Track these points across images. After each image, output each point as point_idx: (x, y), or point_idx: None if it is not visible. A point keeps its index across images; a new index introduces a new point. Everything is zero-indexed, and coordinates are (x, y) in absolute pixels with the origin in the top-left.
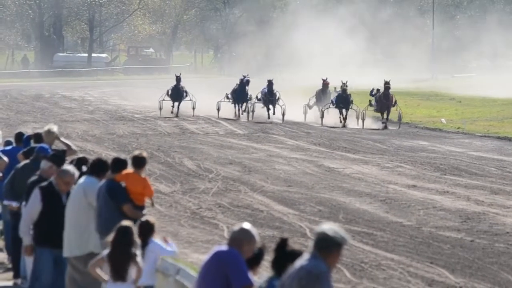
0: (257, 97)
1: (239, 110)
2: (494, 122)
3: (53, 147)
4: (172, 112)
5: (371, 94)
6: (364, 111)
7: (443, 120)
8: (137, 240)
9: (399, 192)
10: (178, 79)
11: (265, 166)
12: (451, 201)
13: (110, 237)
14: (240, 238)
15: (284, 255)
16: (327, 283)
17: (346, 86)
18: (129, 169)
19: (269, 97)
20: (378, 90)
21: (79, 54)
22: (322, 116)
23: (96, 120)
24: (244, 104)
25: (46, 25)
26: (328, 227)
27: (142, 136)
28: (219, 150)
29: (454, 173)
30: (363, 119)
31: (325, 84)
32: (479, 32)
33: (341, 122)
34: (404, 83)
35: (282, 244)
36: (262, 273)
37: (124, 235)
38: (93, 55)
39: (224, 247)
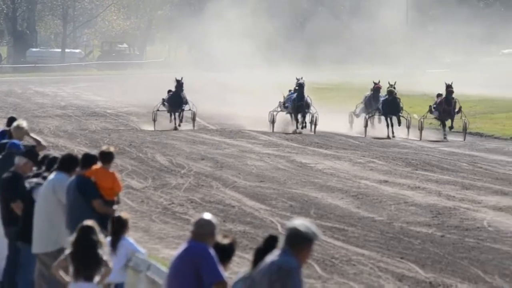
0: (284, 104)
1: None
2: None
3: (24, 142)
4: (174, 125)
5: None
6: (422, 120)
7: (415, 115)
8: (102, 240)
9: (371, 187)
10: (179, 84)
11: (237, 161)
12: (422, 197)
13: (72, 237)
14: (206, 231)
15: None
16: (298, 279)
17: (394, 88)
18: (98, 165)
19: (298, 104)
20: (440, 94)
21: (52, 50)
22: (366, 125)
23: (69, 116)
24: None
25: (19, 20)
26: (300, 222)
27: (114, 132)
28: (191, 145)
29: (426, 169)
30: (421, 129)
31: (377, 88)
32: (454, 27)
33: (391, 133)
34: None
35: (271, 240)
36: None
37: (86, 234)
38: (67, 50)
39: (194, 242)
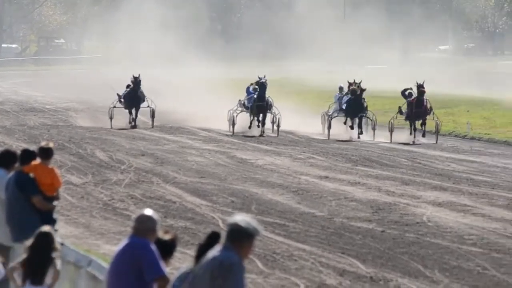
0: (244, 104)
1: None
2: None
3: None
4: (130, 123)
5: (403, 95)
6: (392, 121)
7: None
8: (57, 245)
9: (311, 183)
10: (136, 82)
11: (178, 157)
12: (362, 192)
13: (29, 242)
14: (148, 227)
15: (211, 247)
16: (240, 274)
17: (360, 87)
18: (37, 160)
19: (259, 104)
20: (410, 92)
21: None
22: (329, 127)
23: (6, 111)
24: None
25: None
26: (241, 218)
27: (53, 128)
28: (131, 141)
29: (366, 164)
30: (391, 131)
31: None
32: (391, 23)
33: (357, 135)
34: (315, 74)
35: (213, 237)
36: (175, 264)
37: (44, 240)
38: (3, 45)
39: (135, 238)
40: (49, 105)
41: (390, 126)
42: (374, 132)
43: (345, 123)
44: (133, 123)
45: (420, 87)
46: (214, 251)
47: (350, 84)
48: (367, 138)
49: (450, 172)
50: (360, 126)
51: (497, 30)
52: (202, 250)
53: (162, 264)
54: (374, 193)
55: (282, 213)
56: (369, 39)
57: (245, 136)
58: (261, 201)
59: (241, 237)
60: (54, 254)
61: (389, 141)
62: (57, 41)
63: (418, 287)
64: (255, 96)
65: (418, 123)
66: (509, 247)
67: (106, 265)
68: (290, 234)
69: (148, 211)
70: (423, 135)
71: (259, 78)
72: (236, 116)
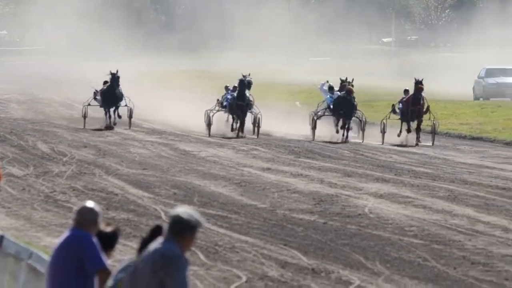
0: (221, 103)
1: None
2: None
3: None
4: (108, 123)
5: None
6: (385, 121)
7: (297, 103)
8: None
9: (254, 175)
10: (114, 78)
11: (120, 149)
12: (304, 184)
13: None
14: (89, 219)
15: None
16: (182, 266)
17: (352, 84)
18: None
19: (237, 103)
20: (407, 90)
21: None
22: (314, 127)
23: None
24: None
25: None
26: (183, 210)
27: None
28: (73, 133)
29: (308, 156)
30: (383, 132)
31: (345, 87)
32: (335, 16)
33: (342, 135)
34: (260, 66)
35: (156, 230)
36: (116, 256)
37: None
38: None
39: (76, 230)
40: None
41: (382, 126)
42: (363, 133)
43: (337, 124)
44: (111, 124)
45: (418, 83)
46: (156, 244)
47: (342, 81)
48: (357, 140)
49: (392, 164)
50: (349, 128)
51: (440, 23)
52: (145, 243)
53: (103, 256)
54: (316, 185)
55: (224, 205)
56: (314, 32)
57: (223, 138)
58: (204, 193)
59: (183, 229)
60: None
61: (380, 143)
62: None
63: (359, 279)
64: (234, 94)
65: (413, 124)
66: (449, 239)
67: (47, 257)
68: (232, 226)
69: (90, 203)
70: (418, 138)
71: (243, 75)
72: (213, 116)
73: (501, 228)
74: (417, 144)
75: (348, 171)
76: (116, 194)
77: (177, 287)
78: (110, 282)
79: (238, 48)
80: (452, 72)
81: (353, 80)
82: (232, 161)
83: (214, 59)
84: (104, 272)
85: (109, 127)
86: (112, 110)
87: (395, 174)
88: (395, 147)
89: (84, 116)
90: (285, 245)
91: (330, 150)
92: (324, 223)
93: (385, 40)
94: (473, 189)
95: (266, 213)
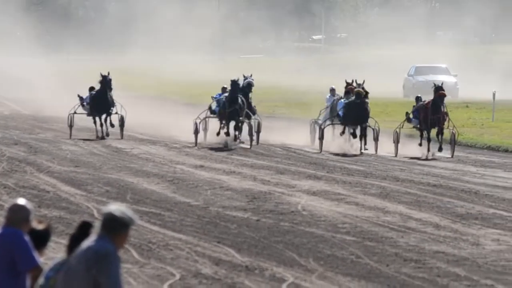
0: (210, 108)
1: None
2: (279, 103)
3: None
4: (100, 134)
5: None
6: (398, 130)
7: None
8: None
9: (187, 172)
10: (105, 81)
11: (52, 146)
12: (237, 181)
13: None
14: (20, 217)
15: (84, 237)
16: (115, 264)
17: (363, 88)
18: None
19: (230, 109)
20: (419, 98)
21: None
22: (322, 138)
23: None
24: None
25: None
26: (115, 207)
27: None
28: (4, 130)
29: (241, 154)
30: (396, 142)
31: (350, 90)
32: (267, 13)
33: (361, 147)
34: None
35: (85, 227)
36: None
37: None
38: None
39: (8, 228)
40: None
41: (395, 136)
42: (376, 143)
43: (343, 133)
44: (103, 134)
45: (438, 89)
46: (89, 241)
47: (348, 84)
48: (370, 151)
49: (324, 161)
50: (362, 138)
51: (369, 20)
52: (74, 240)
53: (35, 254)
54: (249, 182)
55: (157, 202)
56: (245, 29)
57: (211, 149)
58: (137, 190)
59: (116, 227)
60: None
61: (393, 155)
62: None
63: (293, 276)
64: (223, 98)
65: (433, 131)
66: (381, 236)
67: None
68: (165, 223)
69: (21, 201)
70: (440, 149)
71: (244, 76)
72: (199, 123)
73: (432, 225)
74: (430, 154)
75: (280, 169)
76: (48, 192)
77: (110, 285)
78: (41, 280)
79: (166, 46)
80: (381, 69)
81: (363, 82)
82: (165, 158)
83: (136, 55)
84: (36, 270)
85: (101, 138)
86: (103, 118)
87: (328, 172)
88: (412, 160)
89: (70, 126)
90: (218, 242)
91: (263, 148)
92: (258, 220)
93: (315, 37)
94: (404, 186)
95: (199, 210)
